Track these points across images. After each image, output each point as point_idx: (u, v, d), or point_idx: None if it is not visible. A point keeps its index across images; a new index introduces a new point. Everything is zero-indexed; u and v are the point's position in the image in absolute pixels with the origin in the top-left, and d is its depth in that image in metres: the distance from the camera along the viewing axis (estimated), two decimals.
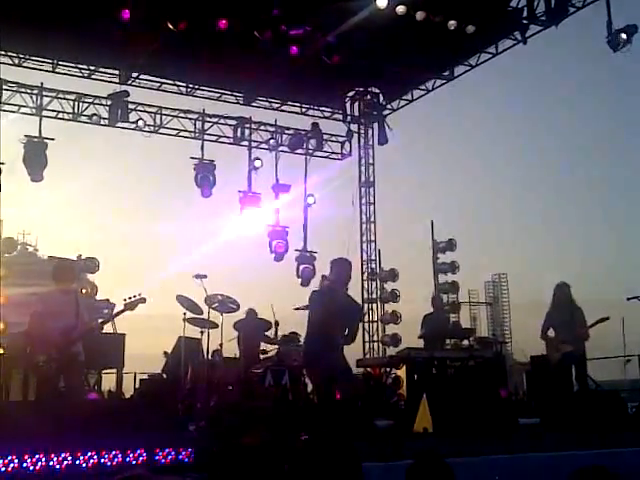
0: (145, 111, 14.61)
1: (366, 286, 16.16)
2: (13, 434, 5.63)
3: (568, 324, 9.03)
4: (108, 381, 10.03)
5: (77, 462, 5.32)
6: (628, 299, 9.85)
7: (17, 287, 9.68)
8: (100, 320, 7.83)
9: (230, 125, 15.34)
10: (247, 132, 15.37)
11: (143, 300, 7.16)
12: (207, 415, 8.01)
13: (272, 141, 15.61)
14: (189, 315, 9.78)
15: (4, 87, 13.22)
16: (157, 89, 14.53)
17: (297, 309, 9.80)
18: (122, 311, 7.23)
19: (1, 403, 7.92)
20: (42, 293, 7.63)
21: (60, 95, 13.91)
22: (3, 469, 5.04)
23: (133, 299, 7.10)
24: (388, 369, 10.81)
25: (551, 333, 9.29)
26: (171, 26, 11.50)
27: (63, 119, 14.05)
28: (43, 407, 6.94)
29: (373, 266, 16.22)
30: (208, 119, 15.11)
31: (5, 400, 8.13)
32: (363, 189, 16.63)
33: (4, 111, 13.28)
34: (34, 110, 13.53)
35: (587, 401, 9.08)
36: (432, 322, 11.06)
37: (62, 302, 7.20)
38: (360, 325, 7.09)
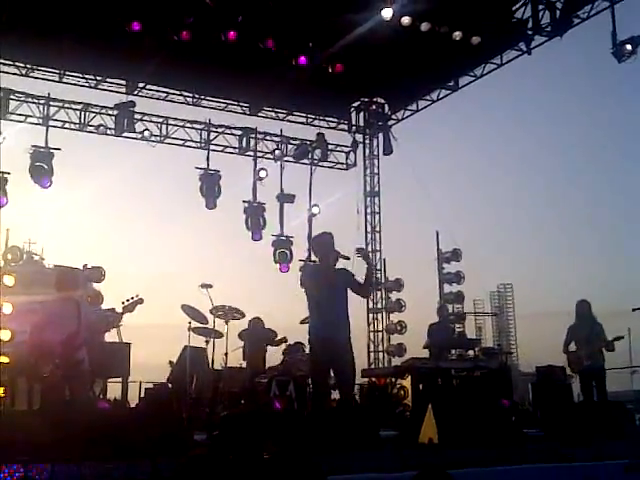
0: (151, 121, 14.70)
1: (371, 296, 16.14)
2: (19, 443, 5.64)
3: (588, 338, 9.38)
4: (113, 390, 9.99)
5: (82, 471, 5.32)
6: (634, 310, 9.90)
7: (23, 296, 9.66)
8: (104, 325, 7.80)
9: (236, 135, 15.40)
10: (252, 142, 15.41)
11: (141, 301, 7.14)
12: (221, 423, 7.93)
13: (277, 151, 15.63)
14: (194, 324, 9.78)
15: (11, 97, 13.31)
16: (163, 99, 14.63)
17: (303, 322, 9.79)
18: (122, 314, 7.21)
19: (6, 412, 7.91)
20: (42, 303, 7.60)
21: (67, 105, 14.00)
22: (9, 478, 5.04)
23: (131, 300, 7.09)
24: (393, 379, 10.77)
25: (572, 347, 9.60)
26: (175, 36, 11.55)
27: (69, 129, 14.13)
28: (48, 416, 6.94)
29: (378, 276, 16.20)
30: (214, 129, 15.17)
31: (10, 409, 8.12)
32: (368, 199, 16.66)
33: (11, 121, 13.36)
34: (41, 120, 13.61)
35: (593, 412, 9.06)
36: (438, 331, 11.04)
37: (63, 311, 7.14)
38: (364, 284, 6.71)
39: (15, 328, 8.59)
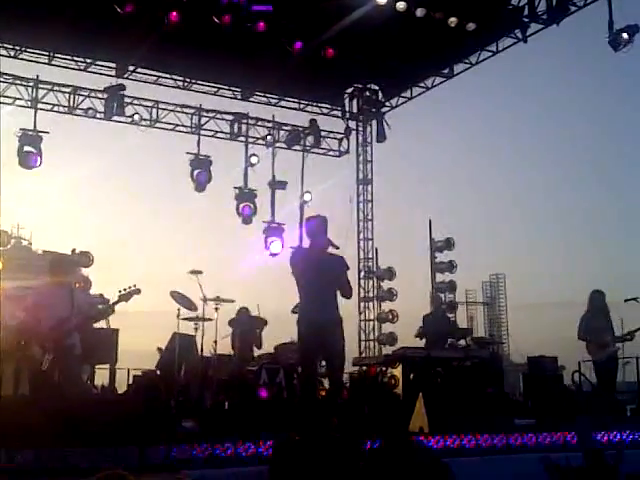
0: (141, 105, 14.53)
1: (363, 284, 16.09)
2: (4, 429, 5.56)
3: (603, 329, 9.56)
4: (101, 377, 9.94)
5: (68, 457, 5.27)
6: (626, 301, 9.90)
7: (11, 281, 9.58)
8: (96, 312, 7.73)
9: (227, 120, 15.27)
10: (244, 128, 15.30)
11: (138, 291, 7.11)
12: None
13: (269, 137, 15.52)
14: (183, 311, 9.71)
15: None
16: (154, 83, 14.44)
17: (294, 312, 9.72)
18: (117, 302, 7.17)
19: None
20: (36, 286, 7.59)
21: (56, 88, 13.83)
22: None
23: (128, 290, 7.08)
24: (384, 368, 10.72)
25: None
26: (165, 18, 11.35)
27: (59, 112, 13.96)
28: (36, 402, 6.87)
29: (370, 264, 16.16)
30: (205, 114, 15.02)
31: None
32: (361, 186, 16.56)
33: None
34: (29, 103, 13.47)
35: (583, 402, 9.06)
36: (433, 322, 11.02)
37: (56, 295, 7.16)
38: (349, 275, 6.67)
39: (2, 312, 8.48)
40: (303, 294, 6.56)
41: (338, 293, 6.59)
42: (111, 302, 7.32)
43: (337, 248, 6.71)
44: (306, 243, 6.84)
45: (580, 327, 9.60)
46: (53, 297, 7.14)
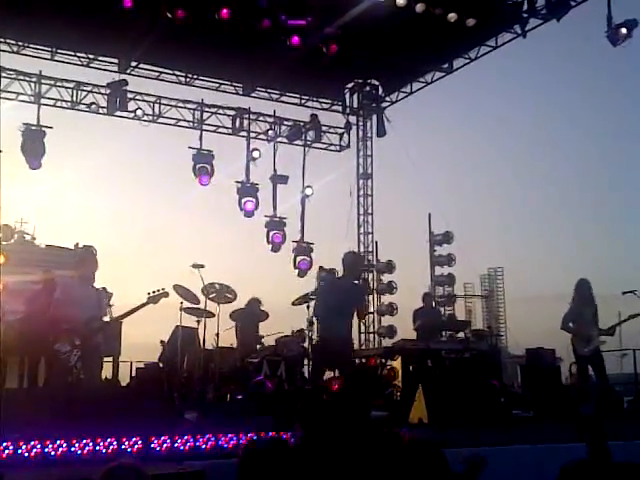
0: (144, 100, 14.59)
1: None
2: (8, 421, 5.66)
3: (590, 320, 9.38)
4: (105, 369, 10.02)
5: (72, 449, 5.35)
6: (623, 293, 9.93)
7: (14, 275, 9.65)
8: (122, 313, 7.80)
9: (229, 115, 15.34)
10: (246, 123, 15.35)
11: (166, 294, 7.26)
12: None
13: (271, 132, 15.60)
14: (186, 304, 9.80)
15: (2, 74, 13.19)
16: (156, 78, 14.51)
17: (294, 304, 9.84)
18: (145, 304, 7.22)
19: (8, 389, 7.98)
20: (61, 281, 7.63)
21: (59, 83, 13.89)
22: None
23: (157, 293, 7.17)
24: (383, 360, 10.83)
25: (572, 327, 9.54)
26: (169, 15, 11.39)
27: (62, 107, 14.03)
28: (47, 395, 6.97)
29: (370, 258, 16.25)
30: (207, 109, 15.09)
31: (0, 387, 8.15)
32: (361, 181, 16.64)
33: (2, 98, 13.27)
34: (32, 98, 13.52)
35: (581, 394, 9.17)
36: (423, 315, 11.10)
37: (82, 291, 7.14)
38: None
39: (5, 307, 8.56)
40: (326, 316, 7.50)
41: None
42: (139, 303, 7.34)
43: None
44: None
45: (566, 317, 9.44)
46: (79, 294, 7.11)
